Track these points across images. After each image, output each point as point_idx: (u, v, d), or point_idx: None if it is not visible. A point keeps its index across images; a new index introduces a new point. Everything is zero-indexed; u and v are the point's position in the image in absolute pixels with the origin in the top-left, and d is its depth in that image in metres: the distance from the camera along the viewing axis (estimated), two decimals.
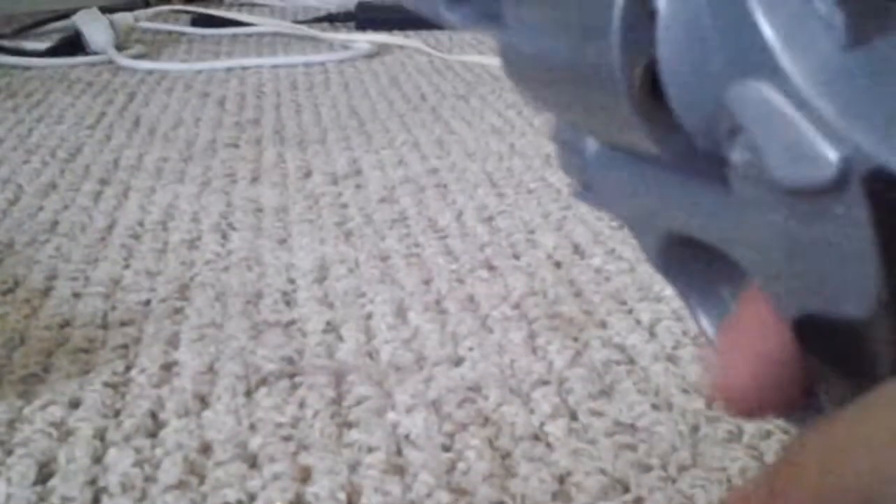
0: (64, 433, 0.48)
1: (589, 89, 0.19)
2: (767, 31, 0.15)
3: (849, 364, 0.17)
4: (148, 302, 0.63)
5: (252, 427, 0.48)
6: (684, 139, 0.18)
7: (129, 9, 1.68)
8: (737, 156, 0.16)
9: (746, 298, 0.19)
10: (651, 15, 0.17)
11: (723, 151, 0.17)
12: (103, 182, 0.90)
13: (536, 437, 0.46)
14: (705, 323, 0.23)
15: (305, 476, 0.45)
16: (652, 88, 0.17)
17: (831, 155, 0.15)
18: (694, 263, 0.22)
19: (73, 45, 1.49)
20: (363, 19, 1.67)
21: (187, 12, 1.87)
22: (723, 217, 0.18)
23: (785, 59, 0.15)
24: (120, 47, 1.49)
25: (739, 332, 0.19)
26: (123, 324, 0.60)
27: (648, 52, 0.17)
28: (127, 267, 0.69)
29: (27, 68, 1.45)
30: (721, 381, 0.19)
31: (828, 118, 0.15)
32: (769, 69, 0.15)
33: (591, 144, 0.22)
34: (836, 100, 0.15)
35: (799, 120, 0.15)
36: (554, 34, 0.19)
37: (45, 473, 0.45)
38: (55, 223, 0.79)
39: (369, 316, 0.60)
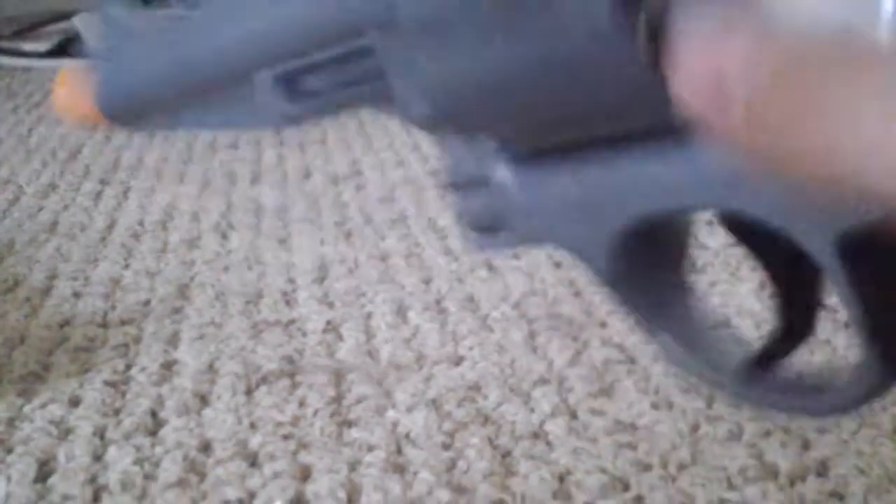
0: (64, 431, 0.48)
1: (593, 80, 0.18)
2: None
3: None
4: (148, 301, 0.63)
5: (252, 425, 0.48)
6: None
7: None
8: None
9: None
10: None
11: None
12: (103, 182, 0.90)
13: (536, 436, 0.46)
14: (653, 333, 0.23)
15: (305, 474, 0.45)
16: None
17: None
18: (645, 270, 0.22)
19: (73, 46, 1.49)
20: None
21: None
22: (689, 172, 0.18)
23: None
24: None
25: None
26: (123, 323, 0.60)
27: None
28: (127, 266, 0.69)
29: (27, 69, 1.45)
30: None
31: None
32: None
33: (502, 172, 0.21)
34: None
35: None
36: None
37: (45, 471, 0.46)
38: (55, 223, 0.79)
39: (369, 315, 0.60)
